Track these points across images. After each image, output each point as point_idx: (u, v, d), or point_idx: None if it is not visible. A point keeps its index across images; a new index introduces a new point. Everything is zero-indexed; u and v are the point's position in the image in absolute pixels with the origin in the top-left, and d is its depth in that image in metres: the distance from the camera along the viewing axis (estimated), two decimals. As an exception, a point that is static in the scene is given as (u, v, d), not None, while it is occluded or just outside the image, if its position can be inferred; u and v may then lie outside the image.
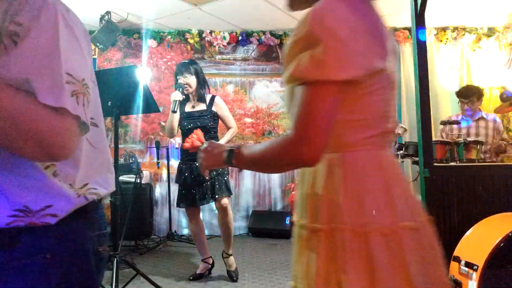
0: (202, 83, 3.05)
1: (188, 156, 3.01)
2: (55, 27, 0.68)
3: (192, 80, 3.00)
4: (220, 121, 3.12)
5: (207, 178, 2.95)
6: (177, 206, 3.11)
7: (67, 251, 0.77)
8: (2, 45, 0.65)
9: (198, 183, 2.97)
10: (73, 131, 0.70)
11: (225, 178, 3.04)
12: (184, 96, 2.99)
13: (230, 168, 3.15)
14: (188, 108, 3.06)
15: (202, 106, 3.05)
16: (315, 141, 0.75)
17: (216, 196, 2.96)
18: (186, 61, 3.12)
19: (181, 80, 2.98)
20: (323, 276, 0.78)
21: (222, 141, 2.97)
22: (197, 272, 3.09)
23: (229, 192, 3.03)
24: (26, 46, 0.65)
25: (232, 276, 3.01)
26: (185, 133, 3.03)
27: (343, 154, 0.83)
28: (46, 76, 0.66)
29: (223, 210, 3.01)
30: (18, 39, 0.65)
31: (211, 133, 3.00)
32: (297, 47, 0.79)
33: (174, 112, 2.90)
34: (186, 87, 2.98)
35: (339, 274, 0.77)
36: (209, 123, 3.00)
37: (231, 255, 3.09)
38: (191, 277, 3.04)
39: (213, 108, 3.05)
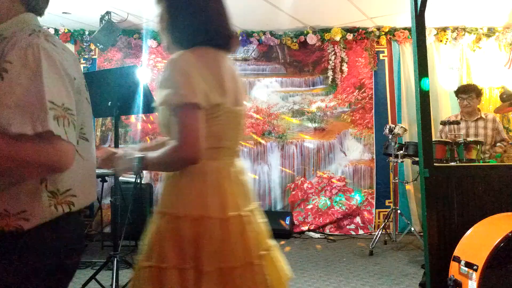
0: None
1: None
2: (39, 64, 0.81)
3: None
4: None
5: None
6: None
7: (34, 257, 0.83)
8: None
9: None
10: (65, 148, 0.83)
11: None
12: None
13: None
14: None
15: None
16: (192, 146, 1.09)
17: None
18: None
19: None
20: (155, 243, 1.15)
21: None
22: None
23: None
24: (14, 80, 0.78)
25: None
26: None
27: None
28: (32, 107, 0.78)
29: None
30: (6, 75, 0.78)
31: None
32: (164, 82, 1.12)
33: None
34: None
35: (162, 241, 1.13)
36: None
37: None
38: None
39: None
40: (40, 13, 0.99)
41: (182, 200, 1.16)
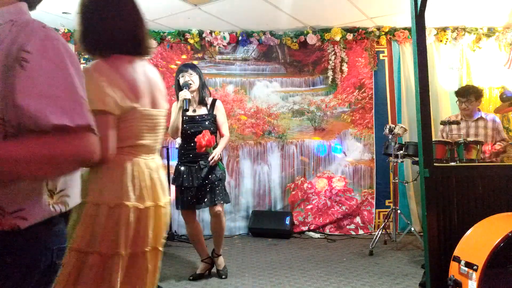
0: (203, 84, 3.06)
1: (187, 158, 3.00)
2: (62, 57, 0.80)
3: (195, 78, 2.99)
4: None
5: (206, 182, 2.96)
6: (176, 209, 3.07)
7: (28, 257, 0.82)
8: (14, 68, 0.75)
9: (197, 186, 2.96)
10: (96, 141, 0.82)
11: (224, 185, 3.06)
12: (192, 95, 2.95)
13: (229, 170, 3.20)
14: (190, 111, 3.01)
15: (203, 110, 3.04)
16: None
17: (215, 201, 2.95)
18: (186, 63, 3.16)
19: (186, 76, 2.94)
20: (78, 228, 1.29)
21: (218, 149, 2.94)
22: (197, 272, 3.09)
23: (227, 199, 3.05)
24: (36, 71, 0.76)
25: (221, 275, 3.07)
26: (187, 137, 3.00)
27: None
28: (62, 99, 0.77)
29: (216, 217, 3.01)
30: (26, 65, 0.75)
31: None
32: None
33: (186, 110, 2.85)
34: (191, 83, 2.93)
35: (84, 227, 1.28)
36: (210, 127, 2.98)
37: (220, 255, 3.17)
38: (191, 277, 3.05)
39: (214, 112, 3.06)
40: (32, 5, 0.97)
41: (102, 190, 1.32)
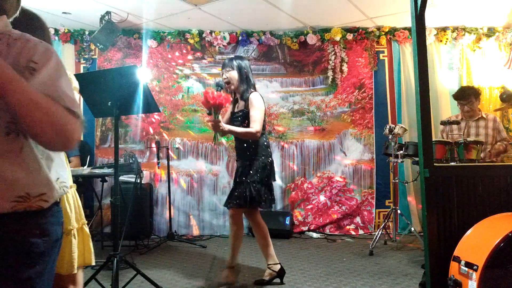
0: (244, 79, 2.80)
1: (236, 156, 2.89)
2: (60, 65, 1.04)
3: (232, 74, 2.78)
4: None
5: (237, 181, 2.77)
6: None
7: (52, 230, 1.05)
8: (24, 74, 0.95)
9: (239, 182, 2.77)
10: (80, 129, 1.01)
11: (253, 186, 2.71)
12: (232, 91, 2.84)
13: (229, 170, 3.06)
14: (235, 108, 2.86)
15: (241, 106, 2.82)
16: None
17: (228, 204, 2.81)
18: (232, 56, 2.90)
19: (223, 74, 2.79)
20: None
21: (227, 126, 2.66)
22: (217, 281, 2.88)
23: (246, 204, 2.71)
24: (43, 76, 0.97)
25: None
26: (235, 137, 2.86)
27: None
28: (62, 94, 0.98)
29: (253, 222, 2.85)
30: (34, 72, 0.97)
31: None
32: None
33: (209, 114, 2.61)
34: (227, 82, 2.77)
35: None
36: (240, 125, 2.76)
37: (233, 266, 2.88)
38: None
39: (248, 107, 2.76)
40: (9, 17, 1.14)
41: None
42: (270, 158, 2.82)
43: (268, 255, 2.87)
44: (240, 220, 2.85)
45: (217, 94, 2.50)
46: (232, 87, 2.81)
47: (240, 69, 2.78)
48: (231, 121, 2.86)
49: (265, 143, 2.82)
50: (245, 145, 2.78)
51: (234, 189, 2.79)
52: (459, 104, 3.69)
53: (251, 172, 2.72)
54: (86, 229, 1.86)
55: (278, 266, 2.88)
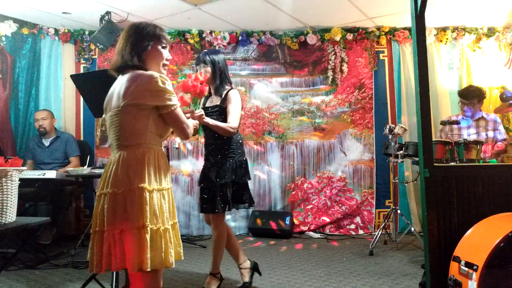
0: (217, 74, 2.69)
1: (207, 154, 2.74)
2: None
3: (207, 70, 2.68)
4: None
5: (211, 183, 2.62)
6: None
7: None
8: None
9: (204, 187, 2.66)
10: None
11: (229, 188, 2.63)
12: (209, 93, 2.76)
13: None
14: (208, 102, 2.77)
15: (216, 101, 2.71)
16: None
17: (209, 210, 2.62)
18: (206, 50, 2.80)
19: (199, 70, 2.70)
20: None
21: (209, 119, 2.51)
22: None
23: (217, 207, 2.58)
24: None
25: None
26: (204, 130, 2.69)
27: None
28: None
29: (213, 224, 2.67)
30: None
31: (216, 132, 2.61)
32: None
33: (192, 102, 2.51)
34: None
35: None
36: (217, 120, 2.61)
37: (214, 274, 2.76)
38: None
39: (225, 103, 2.67)
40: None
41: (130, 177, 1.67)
42: (245, 157, 2.75)
43: (235, 257, 2.80)
44: (223, 223, 2.71)
45: (200, 80, 2.41)
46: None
47: (214, 64, 2.68)
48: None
49: (240, 141, 2.75)
50: (219, 142, 2.66)
51: (211, 192, 2.60)
52: (461, 101, 3.69)
53: (226, 172, 2.62)
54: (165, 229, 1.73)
55: (248, 261, 2.85)
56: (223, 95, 2.69)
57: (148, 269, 1.57)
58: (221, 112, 2.67)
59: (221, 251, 2.72)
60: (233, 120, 2.63)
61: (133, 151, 1.68)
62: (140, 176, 1.64)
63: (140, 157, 1.67)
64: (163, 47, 1.80)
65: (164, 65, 1.82)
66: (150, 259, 1.58)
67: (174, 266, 1.67)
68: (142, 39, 1.74)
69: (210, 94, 2.79)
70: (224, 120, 2.64)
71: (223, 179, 2.60)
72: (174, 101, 1.71)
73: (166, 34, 1.84)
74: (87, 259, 1.70)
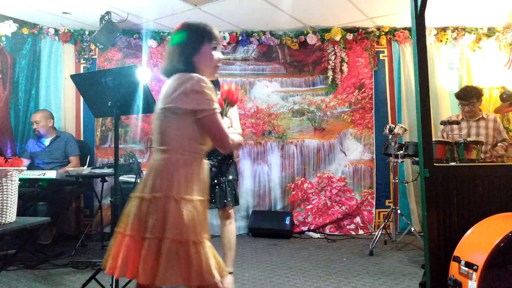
0: (216, 82, 2.77)
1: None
2: None
3: None
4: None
5: (215, 181, 2.71)
6: None
7: None
8: None
9: (218, 183, 2.73)
10: None
11: (235, 186, 2.80)
12: None
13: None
14: None
15: None
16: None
17: (225, 203, 2.71)
18: None
19: None
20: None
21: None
22: None
23: (236, 202, 2.79)
24: None
25: None
26: None
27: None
28: None
29: (227, 219, 2.76)
30: None
31: None
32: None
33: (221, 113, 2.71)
34: None
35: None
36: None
37: (232, 272, 2.71)
38: None
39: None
40: None
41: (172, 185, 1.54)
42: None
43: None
44: None
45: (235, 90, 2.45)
46: None
47: None
48: None
49: None
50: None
51: (227, 187, 2.74)
52: (461, 104, 3.69)
53: (235, 171, 2.84)
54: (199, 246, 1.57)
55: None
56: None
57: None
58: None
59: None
60: (238, 126, 2.82)
61: (168, 157, 1.57)
62: (168, 184, 1.52)
63: (173, 164, 1.55)
64: (214, 48, 1.67)
65: (216, 67, 1.71)
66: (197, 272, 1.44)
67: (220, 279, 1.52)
68: (190, 41, 1.63)
69: None
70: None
71: (234, 175, 2.81)
72: (212, 106, 1.56)
73: (217, 33, 1.71)
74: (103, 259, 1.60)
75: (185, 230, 1.47)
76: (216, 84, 2.77)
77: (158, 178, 1.54)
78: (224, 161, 2.79)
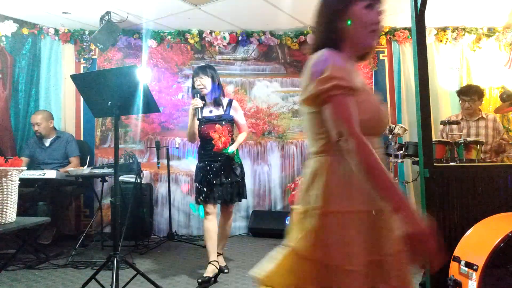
0: (216, 87, 3.10)
1: (208, 157, 3.07)
2: None
3: (207, 81, 3.04)
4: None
5: (228, 179, 3.07)
6: (196, 203, 3.15)
7: None
8: None
9: (220, 183, 3.04)
10: None
11: (240, 185, 3.16)
12: (204, 102, 3.03)
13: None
14: (205, 113, 3.07)
15: (219, 111, 3.09)
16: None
17: (232, 200, 3.12)
18: (203, 64, 3.24)
19: (197, 81, 3.04)
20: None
21: (234, 145, 3.02)
22: (205, 275, 2.88)
23: (239, 199, 3.19)
24: None
25: (222, 270, 3.14)
26: (206, 137, 3.05)
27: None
28: None
29: (229, 215, 3.21)
30: None
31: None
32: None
33: (199, 119, 2.99)
34: (202, 88, 3.03)
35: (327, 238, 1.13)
36: (227, 128, 3.04)
37: (221, 254, 3.27)
38: (199, 280, 2.85)
39: (231, 112, 3.11)
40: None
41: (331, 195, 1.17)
42: None
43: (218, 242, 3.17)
44: None
45: (224, 141, 2.91)
46: (205, 91, 3.06)
47: (213, 77, 3.08)
48: (204, 124, 3.05)
49: None
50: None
51: (240, 186, 3.14)
52: (461, 99, 3.69)
53: (241, 172, 3.16)
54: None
55: (221, 258, 3.26)
56: (226, 105, 3.12)
57: None
58: (230, 120, 3.11)
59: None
60: (245, 128, 3.22)
61: (317, 160, 1.25)
62: (317, 194, 1.17)
63: (321, 168, 1.21)
64: (368, 6, 1.19)
65: (372, 31, 1.22)
66: None
67: None
68: (334, 2, 1.24)
69: (204, 105, 3.05)
70: (231, 126, 3.13)
71: (237, 177, 3.13)
72: (334, 82, 1.14)
73: None
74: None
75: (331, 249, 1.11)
76: (219, 89, 3.14)
77: (306, 185, 1.31)
78: (227, 163, 3.05)
